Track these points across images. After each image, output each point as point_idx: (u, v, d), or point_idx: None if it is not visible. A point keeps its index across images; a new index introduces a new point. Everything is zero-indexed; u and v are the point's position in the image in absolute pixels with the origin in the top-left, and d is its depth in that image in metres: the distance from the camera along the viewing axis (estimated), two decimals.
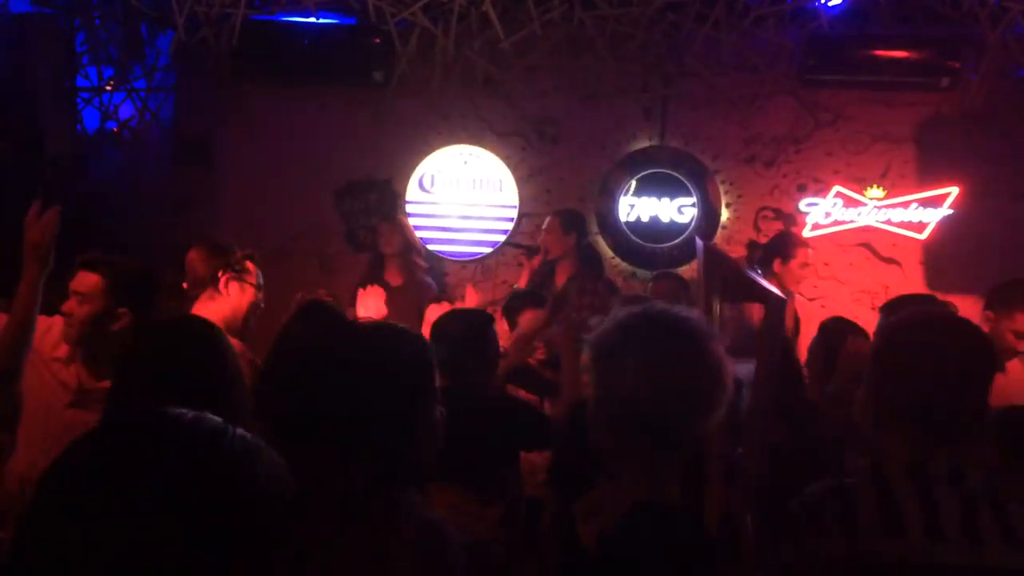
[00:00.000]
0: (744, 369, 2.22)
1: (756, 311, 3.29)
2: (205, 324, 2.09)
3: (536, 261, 4.94)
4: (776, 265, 4.62)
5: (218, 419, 0.94)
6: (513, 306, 4.01)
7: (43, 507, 0.86)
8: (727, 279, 2.27)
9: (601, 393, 1.52)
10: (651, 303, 1.59)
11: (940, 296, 5.48)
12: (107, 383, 2.75)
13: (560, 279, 4.81)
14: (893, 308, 3.02)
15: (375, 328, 1.74)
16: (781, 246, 4.73)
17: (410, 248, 5.03)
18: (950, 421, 1.59)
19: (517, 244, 5.37)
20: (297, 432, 1.52)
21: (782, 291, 3.67)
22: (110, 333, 2.76)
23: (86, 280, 2.77)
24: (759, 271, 4.32)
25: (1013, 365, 3.48)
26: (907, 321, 1.76)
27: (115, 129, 5.62)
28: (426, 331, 4.00)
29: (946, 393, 1.59)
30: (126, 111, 5.64)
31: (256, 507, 0.90)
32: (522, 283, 4.93)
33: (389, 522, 1.51)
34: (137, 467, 0.86)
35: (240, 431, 0.94)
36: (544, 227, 5.02)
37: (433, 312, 4.04)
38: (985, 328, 3.43)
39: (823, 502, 1.61)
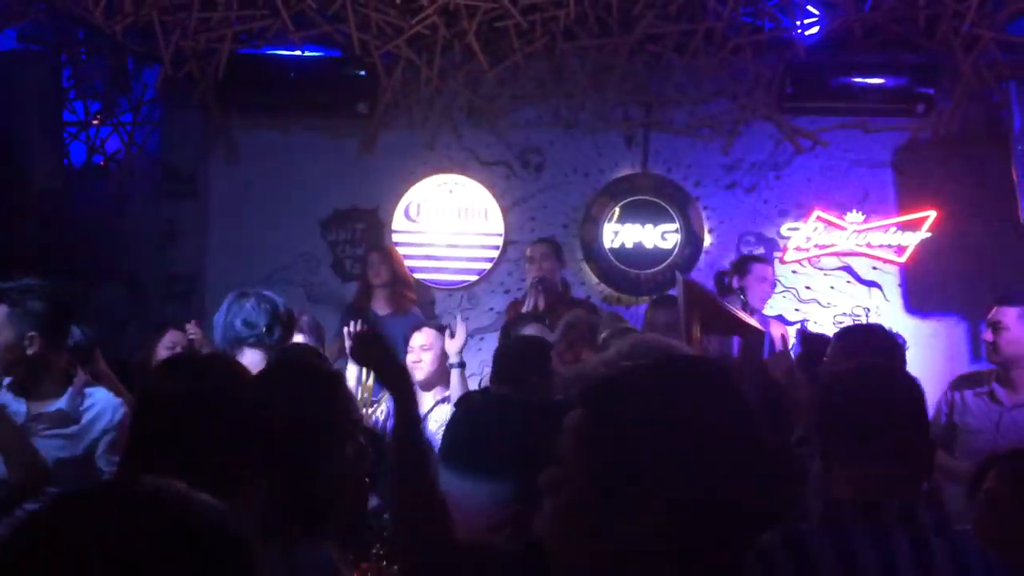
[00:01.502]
0: None
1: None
2: (230, 362, 2.08)
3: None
4: (735, 283, 4.79)
5: (182, 487, 0.91)
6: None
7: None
8: (706, 312, 2.33)
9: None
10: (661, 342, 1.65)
11: (920, 317, 5.60)
12: (49, 404, 2.79)
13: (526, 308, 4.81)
14: (845, 336, 3.07)
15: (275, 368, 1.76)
16: (737, 266, 4.96)
17: (399, 279, 5.06)
18: (898, 459, 1.67)
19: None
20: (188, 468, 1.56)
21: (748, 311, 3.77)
22: (28, 359, 2.76)
23: None
24: (741, 299, 4.39)
25: None
26: (847, 373, 1.89)
27: (102, 162, 5.66)
28: (410, 358, 4.05)
29: (890, 435, 1.68)
30: (112, 144, 5.68)
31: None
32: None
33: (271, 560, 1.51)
34: (96, 542, 0.83)
35: (209, 501, 0.91)
36: (542, 255, 5.04)
37: (417, 339, 4.08)
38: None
39: (775, 551, 1.62)
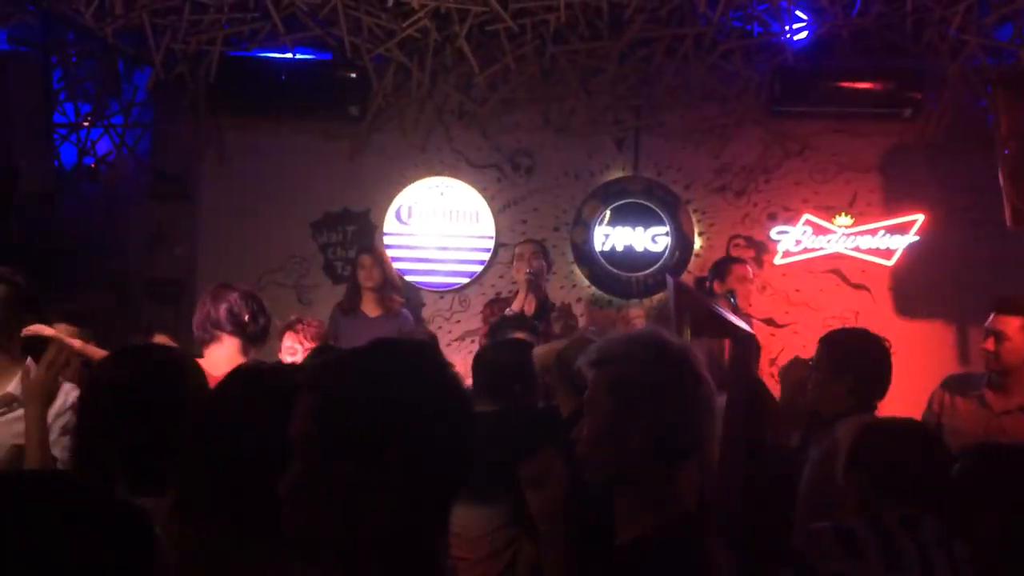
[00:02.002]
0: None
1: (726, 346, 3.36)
2: (171, 353, 2.10)
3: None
4: (716, 287, 4.85)
5: (74, 479, 0.97)
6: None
7: None
8: (696, 315, 2.35)
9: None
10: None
11: (908, 320, 5.63)
12: None
13: (518, 306, 4.83)
14: (831, 341, 3.09)
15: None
16: (717, 269, 5.04)
17: (388, 283, 5.06)
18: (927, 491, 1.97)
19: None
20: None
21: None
22: None
23: None
24: (731, 302, 4.41)
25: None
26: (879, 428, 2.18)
27: (92, 165, 5.64)
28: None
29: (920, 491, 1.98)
30: (103, 147, 5.67)
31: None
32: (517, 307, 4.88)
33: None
34: None
35: (104, 494, 0.95)
36: (532, 253, 5.11)
37: None
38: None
39: (825, 534, 1.89)
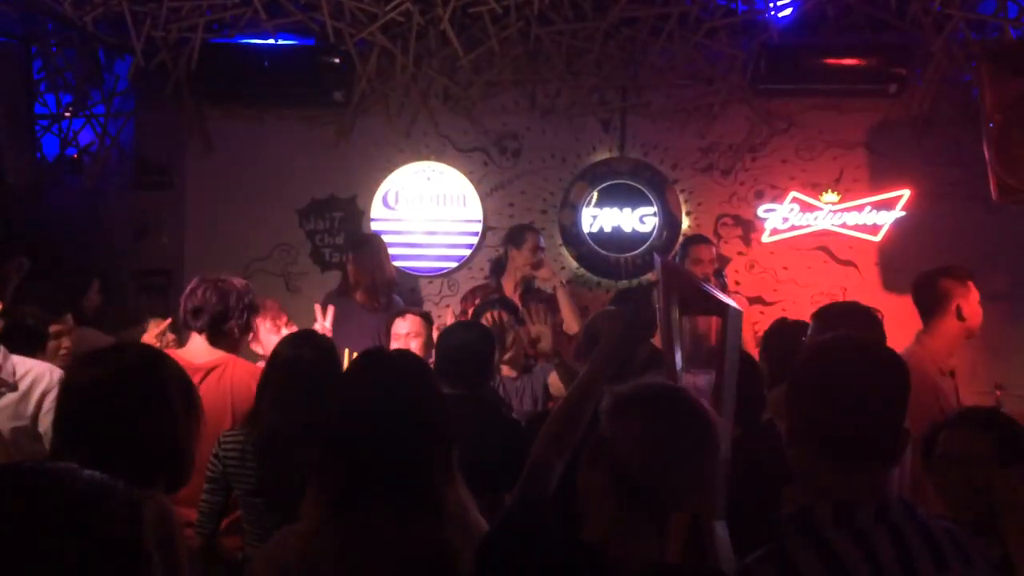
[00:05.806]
0: (703, 380, 2.29)
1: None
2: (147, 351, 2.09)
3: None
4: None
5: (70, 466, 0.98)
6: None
7: None
8: (684, 292, 2.35)
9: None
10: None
11: (896, 295, 5.65)
12: None
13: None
14: (823, 315, 3.11)
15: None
16: (680, 250, 5.21)
17: (376, 281, 4.99)
18: (866, 444, 1.55)
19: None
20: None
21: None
22: None
23: None
24: (722, 282, 4.42)
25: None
26: (825, 343, 1.75)
27: (75, 156, 5.60)
28: (395, 346, 4.05)
29: (862, 415, 1.55)
30: (86, 137, 5.63)
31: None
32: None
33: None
34: None
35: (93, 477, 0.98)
36: (538, 245, 5.01)
37: (402, 327, 4.08)
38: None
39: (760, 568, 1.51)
